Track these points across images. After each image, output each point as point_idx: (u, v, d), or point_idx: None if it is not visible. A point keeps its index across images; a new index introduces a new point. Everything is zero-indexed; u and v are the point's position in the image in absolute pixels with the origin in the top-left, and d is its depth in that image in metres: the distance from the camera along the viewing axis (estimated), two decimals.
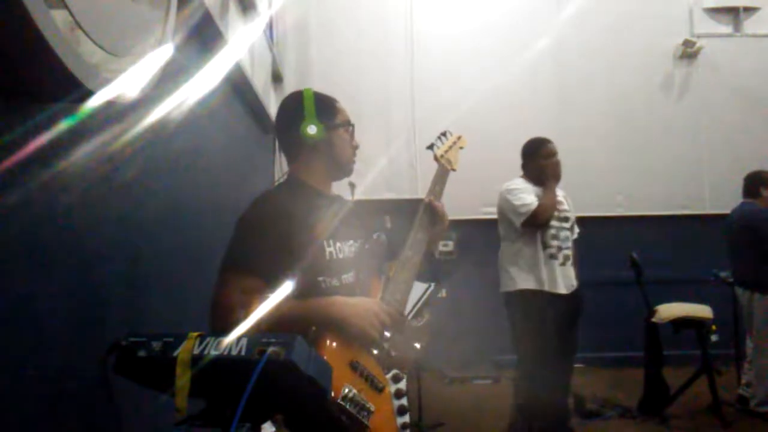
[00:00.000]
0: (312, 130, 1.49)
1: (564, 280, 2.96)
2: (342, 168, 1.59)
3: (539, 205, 2.89)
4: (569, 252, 3.00)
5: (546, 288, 2.91)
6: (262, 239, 1.38)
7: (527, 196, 2.94)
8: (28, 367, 1.21)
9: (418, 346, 1.53)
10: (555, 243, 2.96)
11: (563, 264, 2.96)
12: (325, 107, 1.55)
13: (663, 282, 4.31)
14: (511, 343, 3.09)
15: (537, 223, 2.90)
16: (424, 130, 4.96)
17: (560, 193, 3.08)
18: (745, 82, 5.37)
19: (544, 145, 3.08)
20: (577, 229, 3.15)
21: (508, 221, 3.01)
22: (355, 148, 1.61)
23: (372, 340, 1.37)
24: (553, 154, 3.05)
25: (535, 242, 2.95)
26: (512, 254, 3.01)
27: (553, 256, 2.95)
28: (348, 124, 1.59)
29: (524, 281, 2.94)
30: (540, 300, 2.90)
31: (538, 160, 3.04)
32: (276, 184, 1.62)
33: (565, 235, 3.00)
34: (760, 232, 3.61)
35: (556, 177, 3.01)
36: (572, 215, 3.10)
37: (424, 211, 1.66)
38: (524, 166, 3.13)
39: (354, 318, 1.35)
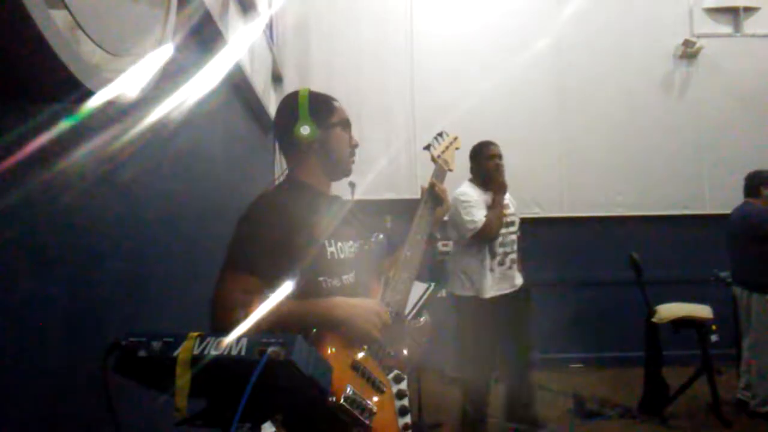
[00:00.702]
0: (305, 130, 1.48)
1: (508, 281, 3.08)
2: (339, 167, 1.58)
3: (486, 223, 2.95)
4: (514, 255, 3.10)
5: (488, 295, 3.00)
6: (262, 239, 1.37)
7: (477, 211, 2.98)
8: (28, 367, 1.21)
9: (418, 346, 1.52)
10: (501, 250, 3.06)
11: (510, 268, 3.08)
12: (320, 107, 1.54)
13: (663, 282, 4.31)
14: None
15: (485, 238, 2.98)
16: (424, 130, 4.95)
17: (505, 197, 3.12)
18: (745, 82, 5.35)
19: (487, 146, 3.13)
20: (519, 231, 3.22)
21: (457, 230, 3.08)
22: (354, 147, 1.59)
23: (374, 340, 1.37)
24: (494, 155, 3.09)
25: (482, 251, 3.03)
26: (461, 260, 3.09)
27: (501, 263, 3.06)
28: (344, 123, 1.57)
29: (471, 289, 3.04)
30: (483, 307, 3.00)
31: (482, 162, 3.10)
32: (275, 184, 1.61)
33: (510, 240, 3.09)
34: (760, 232, 3.61)
35: (499, 182, 3.04)
36: (517, 218, 3.18)
37: (429, 194, 1.68)
38: (471, 170, 3.18)
39: (356, 318, 1.34)
